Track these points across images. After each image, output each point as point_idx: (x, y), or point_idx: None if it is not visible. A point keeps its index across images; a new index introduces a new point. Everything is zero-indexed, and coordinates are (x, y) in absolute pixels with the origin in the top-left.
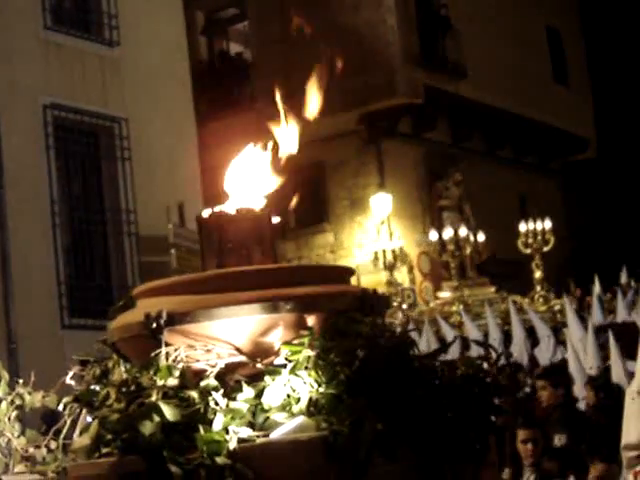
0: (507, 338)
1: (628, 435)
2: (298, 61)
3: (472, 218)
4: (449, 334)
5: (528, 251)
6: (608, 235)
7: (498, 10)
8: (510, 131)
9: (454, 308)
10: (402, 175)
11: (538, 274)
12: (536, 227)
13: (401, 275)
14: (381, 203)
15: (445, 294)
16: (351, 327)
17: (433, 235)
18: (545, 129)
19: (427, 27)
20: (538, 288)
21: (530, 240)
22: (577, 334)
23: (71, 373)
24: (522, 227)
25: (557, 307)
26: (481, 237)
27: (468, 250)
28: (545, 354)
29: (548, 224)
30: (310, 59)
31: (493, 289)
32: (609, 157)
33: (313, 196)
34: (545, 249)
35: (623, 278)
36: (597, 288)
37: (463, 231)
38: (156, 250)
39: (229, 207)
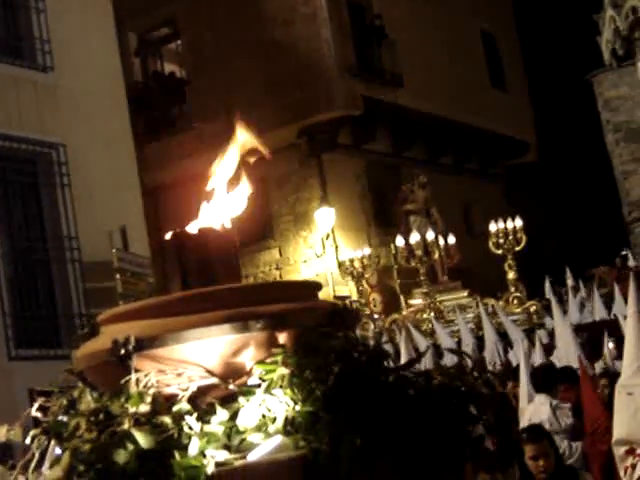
0: (481, 343)
1: (617, 430)
2: (232, 77)
3: (440, 221)
4: (421, 342)
5: (499, 252)
6: (553, 236)
7: (432, 17)
8: (450, 138)
9: (425, 315)
10: (344, 187)
11: (511, 275)
12: (507, 226)
13: (348, 288)
14: (325, 217)
15: (417, 301)
16: (324, 342)
17: (400, 241)
18: (485, 134)
19: (362, 38)
20: (512, 289)
21: (501, 240)
22: (564, 333)
23: (36, 405)
24: (492, 227)
25: (533, 308)
26: (452, 240)
27: (437, 254)
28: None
29: (519, 222)
30: (244, 75)
31: (466, 293)
32: (550, 159)
33: (256, 213)
34: (517, 249)
35: (569, 281)
36: (581, 287)
37: (430, 235)
38: (100, 276)
39: (191, 227)
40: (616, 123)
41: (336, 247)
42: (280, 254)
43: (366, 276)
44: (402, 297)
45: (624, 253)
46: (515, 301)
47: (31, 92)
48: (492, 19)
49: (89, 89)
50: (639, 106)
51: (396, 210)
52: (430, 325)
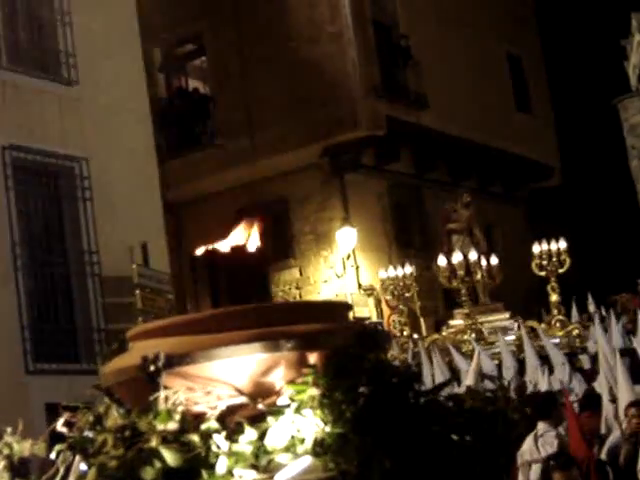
0: (523, 366)
1: None
2: (256, 95)
3: (483, 241)
4: (461, 364)
5: (543, 274)
6: (574, 261)
7: (458, 39)
8: (474, 160)
9: (466, 337)
10: (367, 208)
11: (554, 297)
12: (550, 248)
13: (368, 309)
14: (346, 237)
15: (458, 322)
16: (354, 364)
17: (441, 260)
18: (509, 157)
19: (387, 58)
20: (555, 312)
21: (544, 262)
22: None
23: (62, 420)
24: (536, 249)
25: (575, 332)
26: (494, 260)
27: (479, 275)
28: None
29: (563, 244)
30: (268, 93)
31: (507, 315)
32: (574, 184)
33: (277, 232)
34: (561, 271)
35: (591, 307)
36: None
37: (473, 255)
38: (120, 291)
39: (222, 245)
40: None
41: (357, 267)
42: (300, 273)
43: (407, 295)
44: (422, 319)
45: None
46: (557, 324)
47: (55, 105)
48: (518, 42)
49: (113, 104)
50: None
51: (439, 229)
52: (471, 346)
